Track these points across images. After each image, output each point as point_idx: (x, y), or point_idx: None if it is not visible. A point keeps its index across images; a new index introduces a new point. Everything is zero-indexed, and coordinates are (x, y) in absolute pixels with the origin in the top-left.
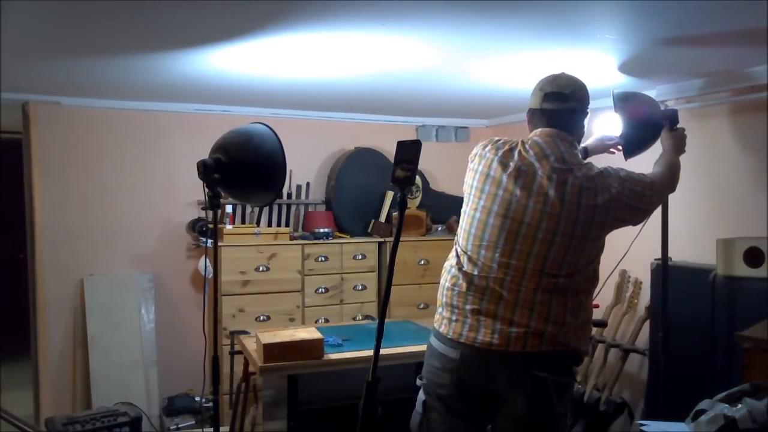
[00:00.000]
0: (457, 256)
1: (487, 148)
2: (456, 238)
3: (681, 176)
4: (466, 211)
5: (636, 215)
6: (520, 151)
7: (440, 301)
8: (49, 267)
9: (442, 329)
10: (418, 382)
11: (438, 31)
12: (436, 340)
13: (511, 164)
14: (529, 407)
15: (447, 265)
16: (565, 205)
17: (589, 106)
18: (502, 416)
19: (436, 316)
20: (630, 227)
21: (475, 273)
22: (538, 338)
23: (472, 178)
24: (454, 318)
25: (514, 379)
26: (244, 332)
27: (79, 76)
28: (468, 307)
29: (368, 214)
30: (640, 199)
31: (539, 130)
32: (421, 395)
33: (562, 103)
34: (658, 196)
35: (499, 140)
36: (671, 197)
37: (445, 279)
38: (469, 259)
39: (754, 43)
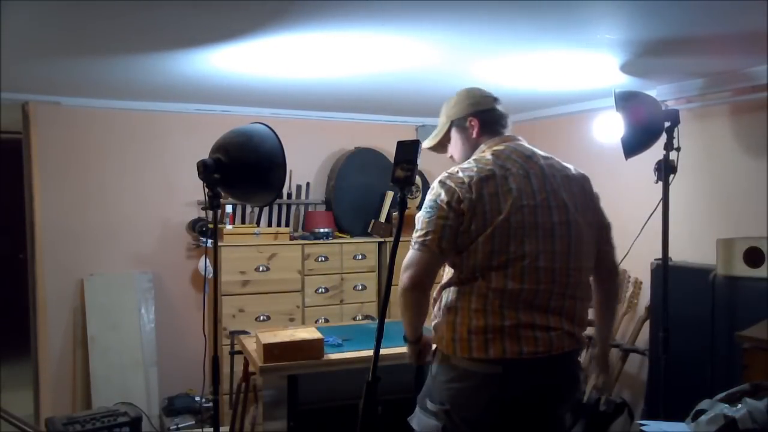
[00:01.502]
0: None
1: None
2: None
3: (681, 176)
4: None
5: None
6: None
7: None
8: (49, 267)
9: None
10: (431, 406)
11: (438, 31)
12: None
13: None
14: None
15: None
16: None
17: (588, 107)
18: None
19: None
20: (631, 224)
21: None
22: (570, 338)
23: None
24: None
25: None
26: (244, 332)
27: (79, 76)
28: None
29: (368, 214)
30: None
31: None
32: (434, 422)
33: (499, 105)
34: None
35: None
36: (672, 197)
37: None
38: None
39: (755, 44)
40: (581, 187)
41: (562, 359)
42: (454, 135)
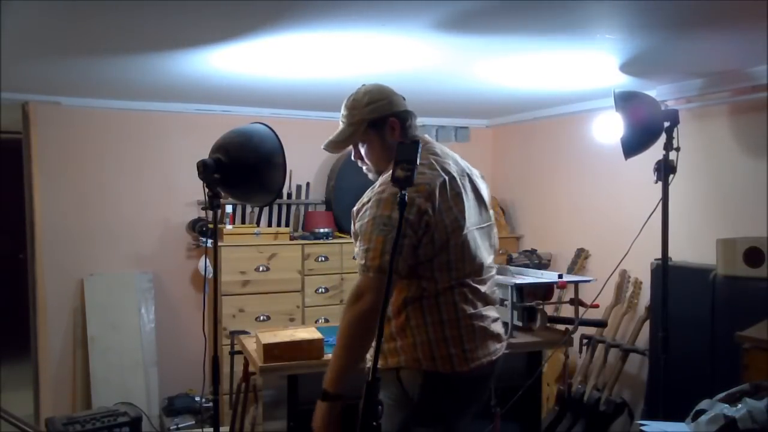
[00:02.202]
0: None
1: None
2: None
3: (681, 176)
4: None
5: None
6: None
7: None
8: (49, 267)
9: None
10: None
11: (438, 31)
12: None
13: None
14: None
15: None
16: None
17: (588, 107)
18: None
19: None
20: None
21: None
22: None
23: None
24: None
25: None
26: (244, 332)
27: (79, 76)
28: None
29: None
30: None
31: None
32: None
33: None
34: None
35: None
36: (671, 197)
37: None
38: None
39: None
40: (485, 184)
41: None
42: (371, 137)
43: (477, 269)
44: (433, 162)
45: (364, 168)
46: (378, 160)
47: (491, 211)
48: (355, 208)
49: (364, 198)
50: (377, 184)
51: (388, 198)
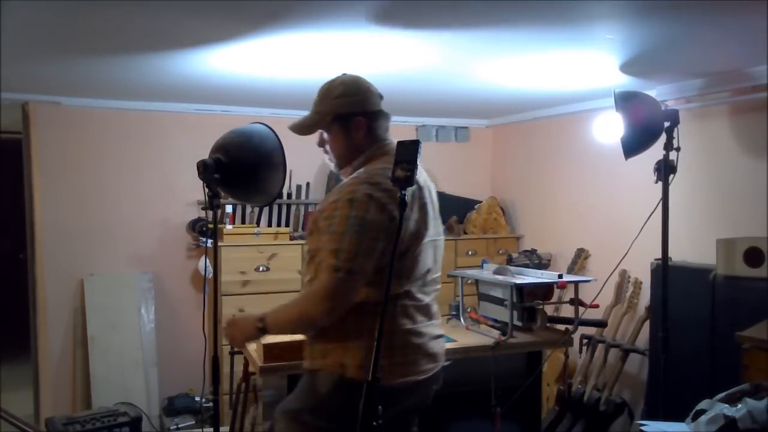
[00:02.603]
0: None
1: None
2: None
3: (681, 176)
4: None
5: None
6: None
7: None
8: (49, 267)
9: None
10: (313, 420)
11: (439, 31)
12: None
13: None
14: None
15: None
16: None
17: (588, 107)
18: None
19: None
20: (631, 224)
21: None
22: None
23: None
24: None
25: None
26: None
27: (79, 76)
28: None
29: None
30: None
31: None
32: None
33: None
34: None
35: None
36: (671, 197)
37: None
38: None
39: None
40: (432, 196)
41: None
42: (335, 130)
43: (427, 280)
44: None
45: (326, 158)
46: (340, 155)
47: (442, 227)
48: (319, 206)
49: (331, 197)
50: (346, 183)
51: (362, 199)
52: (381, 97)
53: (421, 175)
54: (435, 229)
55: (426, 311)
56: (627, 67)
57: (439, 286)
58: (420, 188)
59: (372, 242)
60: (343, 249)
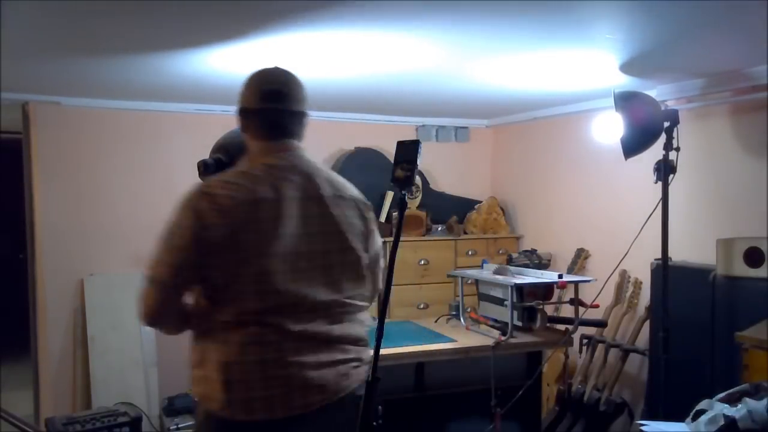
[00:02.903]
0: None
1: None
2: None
3: (681, 176)
4: None
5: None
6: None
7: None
8: (49, 267)
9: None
10: None
11: (438, 31)
12: None
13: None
14: None
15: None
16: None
17: (588, 107)
18: None
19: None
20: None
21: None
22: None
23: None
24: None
25: None
26: None
27: (79, 76)
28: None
29: None
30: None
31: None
32: None
33: (286, 103)
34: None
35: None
36: (671, 197)
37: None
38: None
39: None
40: (358, 212)
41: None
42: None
43: (289, 307)
44: (262, 175)
45: None
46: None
47: (366, 244)
48: None
49: None
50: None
51: (184, 203)
52: (279, 94)
53: (309, 183)
54: (315, 245)
55: (299, 338)
56: (627, 67)
57: (347, 309)
58: (278, 199)
59: (177, 251)
60: (152, 255)
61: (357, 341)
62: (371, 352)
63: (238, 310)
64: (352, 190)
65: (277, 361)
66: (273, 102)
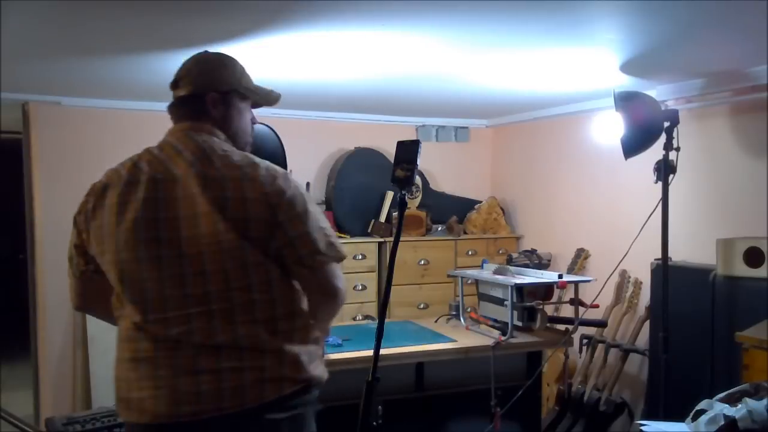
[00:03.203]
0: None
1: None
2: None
3: (681, 176)
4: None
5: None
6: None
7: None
8: (49, 267)
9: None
10: None
11: (439, 31)
12: None
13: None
14: None
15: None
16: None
17: (588, 107)
18: None
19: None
20: (631, 224)
21: None
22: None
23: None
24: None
25: None
26: None
27: (79, 76)
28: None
29: (368, 214)
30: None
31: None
32: None
33: (176, 89)
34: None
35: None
36: (671, 197)
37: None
38: None
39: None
40: (241, 192)
41: None
42: None
43: (140, 306)
44: (128, 161)
45: None
46: None
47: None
48: None
49: None
50: None
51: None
52: (176, 82)
53: (149, 165)
54: (167, 232)
55: (153, 338)
56: (627, 67)
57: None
58: (109, 185)
59: (71, 243)
60: None
61: (254, 348)
62: (299, 364)
63: (115, 302)
64: (242, 166)
65: (148, 361)
66: (180, 83)
